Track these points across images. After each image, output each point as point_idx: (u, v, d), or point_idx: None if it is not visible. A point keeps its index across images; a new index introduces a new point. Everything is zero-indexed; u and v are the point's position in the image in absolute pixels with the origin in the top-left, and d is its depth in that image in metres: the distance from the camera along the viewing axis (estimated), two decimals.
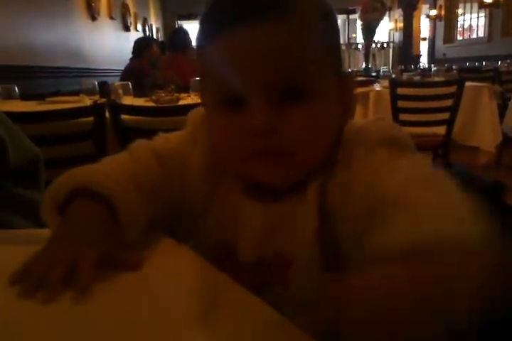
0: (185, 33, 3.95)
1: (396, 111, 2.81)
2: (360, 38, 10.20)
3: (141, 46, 4.04)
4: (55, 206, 0.51)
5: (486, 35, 8.18)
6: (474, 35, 8.99)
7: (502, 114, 3.49)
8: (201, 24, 0.51)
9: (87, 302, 0.39)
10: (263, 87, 0.47)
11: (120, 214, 0.50)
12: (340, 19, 12.49)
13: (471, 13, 9.08)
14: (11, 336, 0.36)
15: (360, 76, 5.09)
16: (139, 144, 0.61)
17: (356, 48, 11.26)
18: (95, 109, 1.80)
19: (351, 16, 11.83)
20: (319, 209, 0.50)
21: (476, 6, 8.57)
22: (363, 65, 8.64)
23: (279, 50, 0.46)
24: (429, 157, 3.31)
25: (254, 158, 0.49)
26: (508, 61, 5.48)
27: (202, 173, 0.56)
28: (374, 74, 5.70)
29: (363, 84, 3.50)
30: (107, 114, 1.83)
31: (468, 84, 2.91)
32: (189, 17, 12.34)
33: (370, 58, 8.69)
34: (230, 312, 0.39)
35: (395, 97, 2.80)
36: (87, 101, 2.29)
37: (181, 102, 2.34)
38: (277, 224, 0.52)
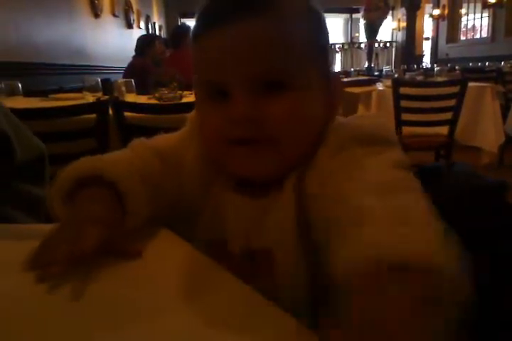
0: (186, 30, 3.93)
1: (399, 110, 2.80)
2: (363, 37, 10.19)
3: (144, 44, 4.04)
4: (63, 195, 0.52)
5: (489, 35, 8.16)
6: (477, 35, 8.97)
7: (505, 115, 3.48)
8: (195, 23, 0.54)
9: (85, 288, 0.41)
10: (246, 79, 0.49)
11: (127, 201, 0.51)
12: (343, 18, 12.49)
13: (474, 13, 9.06)
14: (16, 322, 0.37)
15: (363, 75, 5.09)
16: (140, 142, 0.62)
17: (359, 47, 11.24)
18: (98, 106, 1.81)
19: (354, 15, 11.82)
20: (297, 199, 0.51)
21: (479, 5, 8.56)
22: (366, 64, 8.62)
23: (261, 44, 0.48)
24: (424, 156, 3.32)
25: (236, 147, 0.50)
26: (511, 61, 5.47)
27: (197, 171, 0.57)
28: (377, 73, 5.70)
29: (365, 83, 3.51)
30: (110, 111, 1.83)
31: (471, 84, 2.91)
32: (192, 15, 12.31)
33: (373, 57, 8.68)
34: (220, 297, 0.41)
35: (397, 97, 2.80)
36: (90, 98, 2.30)
37: (184, 100, 2.35)
38: (263, 217, 0.53)
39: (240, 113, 0.48)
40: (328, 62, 0.57)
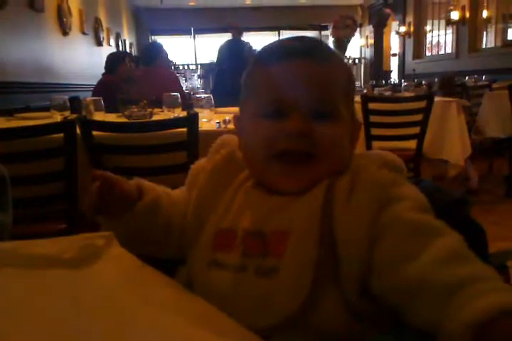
0: (158, 47, 3.93)
1: (368, 125, 2.85)
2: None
3: (114, 61, 4.01)
4: None
5: (453, 51, 8.42)
6: (442, 51, 9.23)
7: (470, 128, 3.58)
8: (263, 58, 0.68)
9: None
10: (304, 105, 0.62)
11: (145, 193, 0.67)
12: (313, 35, 12.73)
13: (438, 30, 9.34)
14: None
15: None
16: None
17: None
18: (65, 126, 1.78)
19: (323, 32, 12.05)
20: (325, 198, 0.59)
21: (443, 22, 8.83)
22: None
23: (323, 80, 0.63)
24: None
25: (278, 161, 0.62)
26: (475, 76, 5.64)
27: (208, 179, 0.68)
28: None
29: None
30: (78, 131, 1.81)
31: (437, 99, 2.99)
32: (163, 32, 12.38)
33: None
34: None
35: (366, 112, 2.84)
36: (57, 117, 2.26)
37: (155, 117, 2.33)
38: (282, 206, 0.61)
39: (297, 128, 0.61)
40: (355, 110, 0.70)
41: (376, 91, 4.02)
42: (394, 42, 11.45)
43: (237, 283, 0.57)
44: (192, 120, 1.85)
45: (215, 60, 5.42)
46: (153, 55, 3.80)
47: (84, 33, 6.45)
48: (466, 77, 5.72)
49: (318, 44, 0.68)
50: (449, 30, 8.71)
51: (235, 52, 3.91)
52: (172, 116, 2.28)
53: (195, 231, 0.65)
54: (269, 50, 0.68)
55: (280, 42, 0.69)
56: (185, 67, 11.24)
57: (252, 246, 0.59)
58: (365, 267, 0.55)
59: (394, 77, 10.45)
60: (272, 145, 0.62)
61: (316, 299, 0.54)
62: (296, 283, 0.55)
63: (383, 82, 7.00)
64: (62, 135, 1.75)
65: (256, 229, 0.60)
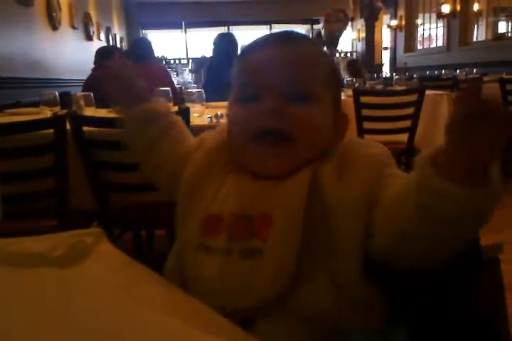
0: (147, 43, 3.90)
1: (360, 119, 2.85)
2: (324, 48, 10.36)
3: (104, 56, 3.98)
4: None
5: (444, 44, 8.43)
6: (433, 45, 9.25)
7: None
8: (244, 49, 0.70)
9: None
10: (278, 86, 0.63)
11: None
12: (304, 29, 12.69)
13: (430, 23, 9.35)
14: None
15: None
16: None
17: None
18: (55, 121, 1.76)
19: (315, 26, 12.04)
20: (311, 183, 0.60)
21: (434, 16, 8.84)
22: None
23: (297, 62, 0.65)
24: None
25: (258, 141, 0.62)
26: (467, 69, 5.66)
27: (205, 158, 0.68)
28: None
29: None
30: (68, 126, 1.79)
31: (428, 92, 2.98)
32: (154, 26, 12.29)
33: None
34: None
35: (358, 106, 2.84)
36: (47, 112, 2.24)
37: None
38: (268, 191, 0.62)
39: (270, 106, 0.62)
40: (340, 100, 0.71)
41: (368, 84, 4.01)
42: (385, 36, 11.45)
43: (224, 266, 0.58)
44: (183, 114, 1.84)
45: (206, 55, 5.39)
46: (143, 49, 3.77)
47: (74, 28, 6.40)
48: (457, 70, 5.73)
49: (300, 36, 0.70)
50: (440, 24, 8.72)
51: (226, 46, 3.89)
52: None
53: (185, 211, 0.66)
54: (251, 42, 0.70)
55: (264, 35, 0.71)
56: (177, 61, 11.18)
57: (238, 229, 0.60)
58: (365, 236, 0.56)
59: (385, 71, 10.47)
60: (249, 127, 0.64)
61: (301, 284, 0.55)
62: (279, 265, 0.56)
63: (375, 75, 6.99)
64: (52, 131, 1.74)
65: (242, 213, 0.61)
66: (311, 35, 12.12)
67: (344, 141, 0.68)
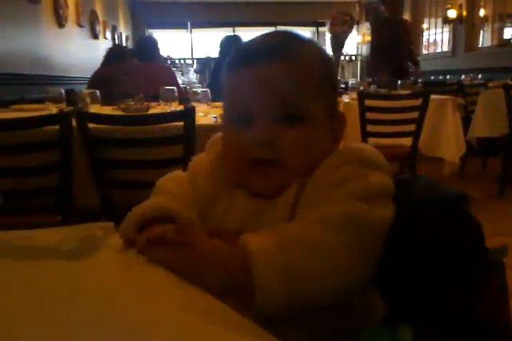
0: (153, 42, 3.91)
1: (364, 122, 2.85)
2: (329, 50, 10.36)
3: (115, 54, 3.97)
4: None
5: (450, 49, 8.42)
6: (439, 50, 9.24)
7: (465, 126, 3.59)
8: (227, 64, 0.67)
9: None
10: (268, 112, 0.61)
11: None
12: (310, 31, 12.69)
13: (435, 28, 9.34)
14: None
15: None
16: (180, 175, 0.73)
17: None
18: (61, 117, 1.77)
19: (320, 29, 12.03)
20: (294, 201, 0.60)
21: (440, 21, 8.83)
22: None
23: (279, 83, 0.61)
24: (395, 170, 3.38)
25: (250, 166, 0.62)
26: (471, 75, 5.65)
27: (207, 180, 0.68)
28: (343, 86, 5.79)
29: None
30: (74, 123, 1.80)
31: (433, 96, 2.99)
32: (159, 25, 12.30)
33: (339, 70, 8.82)
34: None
35: (363, 109, 2.84)
36: (53, 109, 2.24)
37: (151, 111, 2.32)
38: (260, 208, 0.62)
39: (262, 135, 0.61)
40: (336, 100, 0.69)
41: (372, 88, 4.01)
42: None
43: None
44: (189, 114, 1.84)
45: (210, 55, 5.40)
46: (149, 49, 3.78)
47: (80, 26, 6.41)
48: (462, 76, 5.72)
49: (285, 42, 0.65)
50: (446, 29, 8.71)
51: (232, 48, 3.91)
52: (169, 110, 2.27)
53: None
54: (235, 54, 0.68)
55: (247, 45, 0.69)
56: (182, 61, 11.19)
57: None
58: None
59: None
60: (242, 155, 0.63)
61: None
62: None
63: None
64: (57, 127, 1.74)
65: (239, 231, 0.60)
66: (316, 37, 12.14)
67: (341, 145, 0.66)
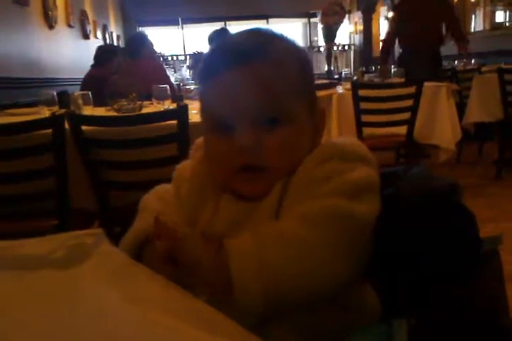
0: (141, 38, 3.85)
1: (358, 112, 2.85)
2: (321, 41, 10.32)
3: (106, 54, 3.95)
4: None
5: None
6: None
7: (460, 112, 3.58)
8: (201, 70, 0.65)
9: None
10: (247, 116, 0.60)
11: None
12: (302, 23, 12.63)
13: None
14: None
15: (323, 79, 5.15)
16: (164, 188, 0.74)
17: (318, 51, 11.38)
18: (53, 121, 1.76)
19: (312, 20, 11.97)
20: (278, 202, 0.60)
21: None
22: (326, 68, 8.72)
23: (254, 87, 0.59)
24: (390, 157, 3.37)
25: (236, 173, 0.61)
26: (464, 60, 5.63)
27: (191, 187, 0.67)
28: (336, 76, 5.78)
29: (326, 87, 3.54)
30: (67, 126, 1.79)
31: (426, 83, 2.98)
32: (150, 23, 12.23)
33: (332, 61, 8.79)
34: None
35: (356, 99, 2.84)
36: (45, 112, 2.24)
37: (145, 110, 2.31)
38: (247, 211, 0.61)
39: (244, 142, 0.59)
40: (314, 96, 0.68)
41: (366, 77, 4.00)
42: (383, 28, 11.38)
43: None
44: (182, 112, 1.84)
45: (200, 51, 5.38)
46: (137, 45, 3.74)
47: (70, 26, 6.37)
48: (456, 61, 5.70)
49: (260, 43, 0.62)
50: None
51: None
52: (162, 109, 2.26)
53: None
54: (209, 58, 0.65)
55: (219, 47, 0.66)
56: (174, 58, 11.14)
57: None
58: None
59: None
60: (227, 163, 0.62)
61: None
62: None
63: (373, 68, 6.97)
64: (50, 130, 1.74)
65: (223, 232, 0.60)
66: (308, 29, 12.09)
67: (327, 143, 0.65)
